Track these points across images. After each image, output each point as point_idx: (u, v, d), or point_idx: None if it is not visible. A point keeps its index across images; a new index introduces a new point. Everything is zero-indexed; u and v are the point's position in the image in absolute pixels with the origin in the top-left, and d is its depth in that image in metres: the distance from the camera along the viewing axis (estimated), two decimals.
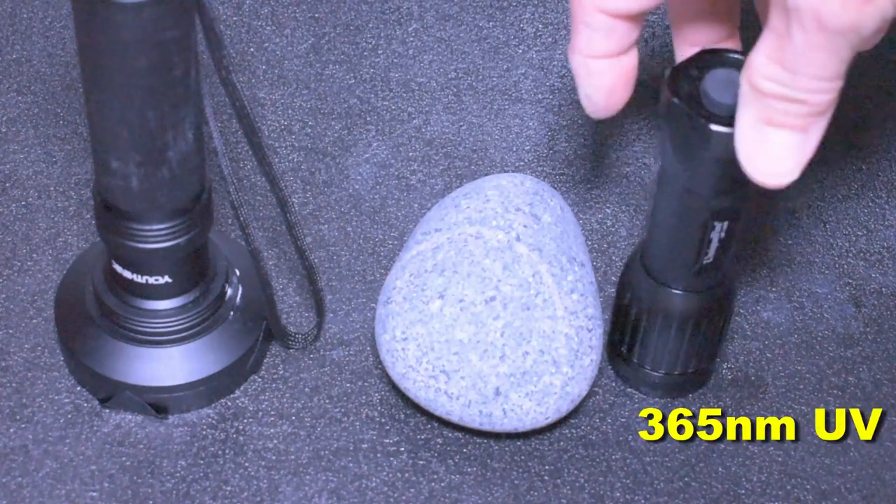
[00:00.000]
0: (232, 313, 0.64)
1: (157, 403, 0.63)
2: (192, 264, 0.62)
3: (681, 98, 0.55)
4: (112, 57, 0.53)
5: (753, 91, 0.52)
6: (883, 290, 0.72)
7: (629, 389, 0.66)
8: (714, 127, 0.54)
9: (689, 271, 0.61)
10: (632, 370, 0.65)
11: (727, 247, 0.60)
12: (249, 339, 0.65)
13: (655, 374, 0.65)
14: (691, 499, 0.63)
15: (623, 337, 0.65)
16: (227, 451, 0.63)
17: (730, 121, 0.54)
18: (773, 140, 0.52)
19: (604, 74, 0.59)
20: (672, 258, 0.61)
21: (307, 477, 0.62)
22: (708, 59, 0.56)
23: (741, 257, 0.71)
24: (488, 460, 0.63)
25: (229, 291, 0.65)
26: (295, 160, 0.75)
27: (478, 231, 0.62)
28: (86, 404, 0.64)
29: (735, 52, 0.57)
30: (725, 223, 0.59)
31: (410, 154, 0.76)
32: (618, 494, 0.63)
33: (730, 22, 0.63)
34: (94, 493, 0.61)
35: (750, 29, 0.64)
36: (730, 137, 0.54)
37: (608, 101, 0.60)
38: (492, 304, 0.60)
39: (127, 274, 0.61)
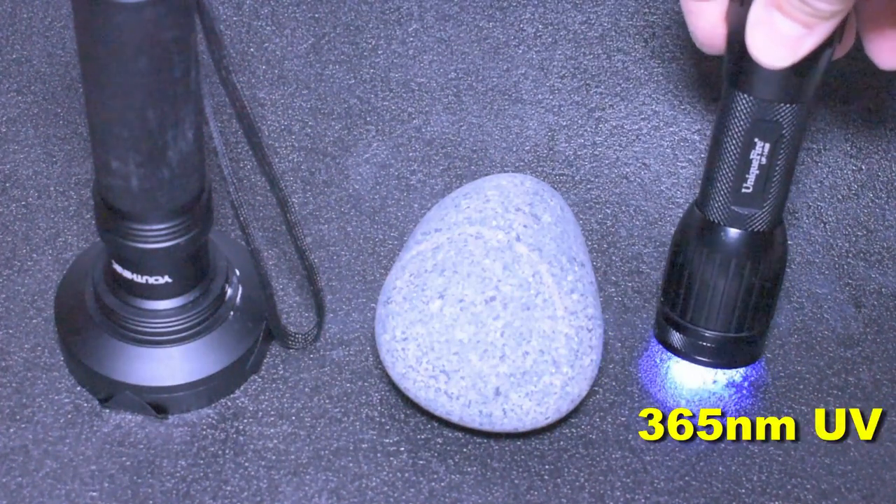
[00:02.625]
0: (232, 313, 0.64)
1: (157, 403, 0.63)
2: (192, 264, 0.62)
3: None
4: (112, 57, 0.53)
5: None
6: (883, 290, 0.72)
7: (629, 390, 0.66)
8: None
9: (729, 200, 0.62)
10: (685, 336, 0.66)
11: (769, 179, 0.61)
12: (249, 339, 0.65)
13: (709, 333, 0.65)
14: (691, 498, 0.63)
15: (676, 295, 0.65)
16: (227, 451, 0.63)
17: None
18: (777, 24, 0.56)
19: (701, 15, 0.62)
20: (714, 183, 0.62)
21: (307, 477, 0.62)
22: None
23: None
24: (488, 460, 0.63)
25: (229, 291, 0.65)
26: (295, 160, 0.75)
27: (478, 231, 0.62)
28: (86, 404, 0.64)
29: None
30: (766, 145, 0.60)
31: (410, 154, 0.76)
32: (618, 494, 0.63)
33: None
34: (94, 493, 0.61)
35: None
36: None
37: (709, 40, 0.63)
38: (492, 304, 0.60)
39: (127, 274, 0.61)
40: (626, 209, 0.74)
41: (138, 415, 0.64)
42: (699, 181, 0.76)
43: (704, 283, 0.64)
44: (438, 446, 0.64)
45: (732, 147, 0.61)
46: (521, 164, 0.76)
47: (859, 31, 0.62)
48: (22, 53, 0.78)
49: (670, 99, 0.77)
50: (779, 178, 0.61)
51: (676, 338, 0.66)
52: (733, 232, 0.62)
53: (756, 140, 0.60)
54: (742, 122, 0.60)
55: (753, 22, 0.56)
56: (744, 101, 0.60)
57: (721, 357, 0.66)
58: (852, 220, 0.74)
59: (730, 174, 0.61)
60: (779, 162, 0.61)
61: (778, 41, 0.56)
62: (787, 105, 0.59)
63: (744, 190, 0.61)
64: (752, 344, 0.66)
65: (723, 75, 0.61)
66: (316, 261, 0.69)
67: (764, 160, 0.61)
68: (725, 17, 0.60)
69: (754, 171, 0.61)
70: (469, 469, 0.63)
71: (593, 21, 0.79)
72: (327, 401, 0.65)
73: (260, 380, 0.66)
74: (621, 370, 0.67)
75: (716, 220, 0.63)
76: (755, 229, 0.62)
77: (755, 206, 0.62)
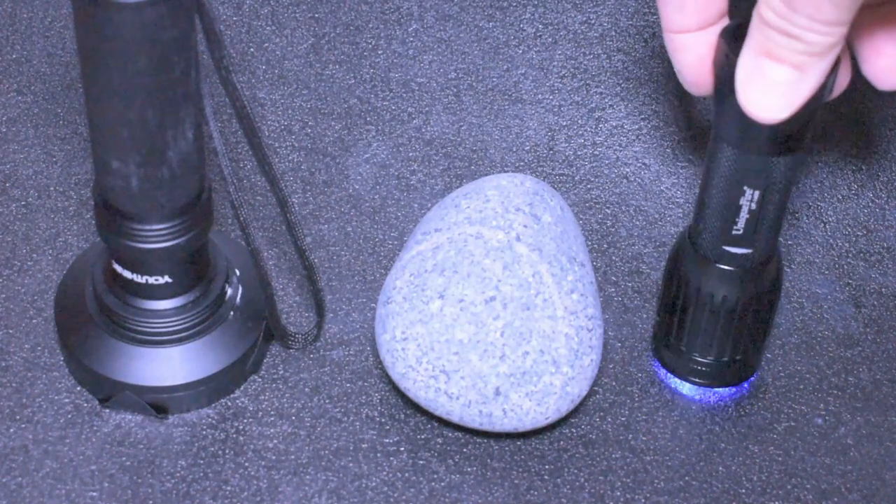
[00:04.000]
0: (232, 313, 0.64)
1: (157, 403, 0.63)
2: (192, 264, 0.62)
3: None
4: (112, 57, 0.53)
5: (758, 19, 0.52)
6: (883, 290, 0.72)
7: (629, 390, 0.66)
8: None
9: (720, 240, 0.61)
10: (680, 360, 0.66)
11: (760, 221, 0.60)
12: (249, 339, 0.65)
13: (704, 360, 0.65)
14: (691, 498, 0.63)
15: (670, 323, 0.65)
16: (227, 451, 0.63)
17: None
18: (769, 73, 0.53)
19: (686, 50, 0.59)
20: (705, 223, 0.61)
21: (307, 477, 0.62)
22: None
23: None
24: (488, 460, 0.63)
25: (229, 291, 0.65)
26: (295, 160, 0.75)
27: (478, 231, 0.62)
28: (86, 404, 0.64)
29: None
30: (756, 192, 0.59)
31: (410, 154, 0.76)
32: (618, 494, 0.63)
33: None
34: (94, 493, 0.61)
35: None
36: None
37: (697, 78, 0.60)
38: (492, 304, 0.60)
39: (127, 274, 0.61)
40: (626, 209, 0.74)
41: (138, 415, 0.64)
42: (699, 181, 0.76)
43: (697, 316, 0.64)
44: (438, 446, 0.64)
45: (721, 194, 0.60)
46: (521, 164, 0.76)
47: (855, 53, 0.59)
48: (22, 53, 0.78)
49: (670, 99, 0.77)
50: (770, 222, 0.61)
51: (671, 360, 0.66)
52: (725, 269, 0.62)
53: (746, 188, 0.59)
54: (730, 174, 0.59)
55: (743, 78, 0.53)
56: (731, 153, 0.58)
57: (716, 379, 0.66)
58: (852, 220, 0.74)
59: (720, 218, 0.61)
60: (769, 206, 0.60)
61: (772, 91, 0.53)
62: (778, 157, 0.58)
63: (734, 232, 0.61)
64: (747, 363, 0.66)
65: (712, 126, 0.59)
66: (316, 261, 0.69)
67: (754, 206, 0.60)
68: (713, 61, 0.57)
69: (744, 215, 0.60)
70: (469, 469, 0.63)
71: (593, 21, 0.79)
72: (327, 401, 0.65)
73: (260, 380, 0.66)
74: (621, 370, 0.67)
75: (707, 257, 0.62)
76: (747, 267, 0.62)
77: (746, 246, 0.61)
